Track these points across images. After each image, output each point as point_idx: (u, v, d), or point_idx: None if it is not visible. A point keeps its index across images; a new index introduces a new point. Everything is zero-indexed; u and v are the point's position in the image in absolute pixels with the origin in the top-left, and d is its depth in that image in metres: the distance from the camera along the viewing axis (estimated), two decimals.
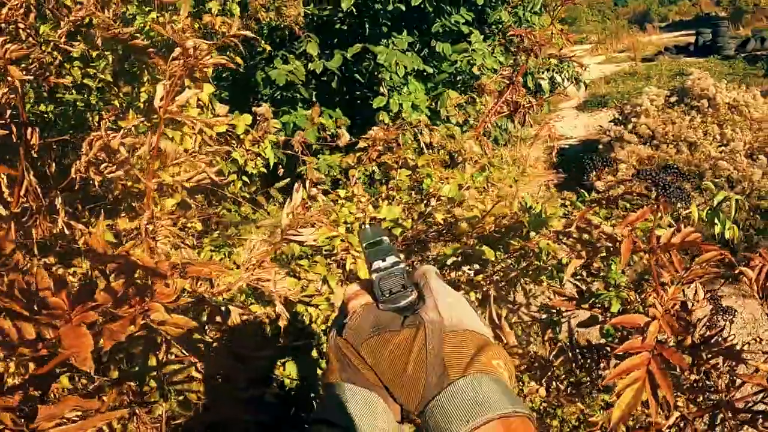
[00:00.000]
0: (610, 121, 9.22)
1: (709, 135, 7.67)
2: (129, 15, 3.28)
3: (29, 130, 2.00)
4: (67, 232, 2.09)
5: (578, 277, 1.81)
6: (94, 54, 2.70)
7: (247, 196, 3.81)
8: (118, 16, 2.59)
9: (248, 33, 2.00)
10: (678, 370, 1.40)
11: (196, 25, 3.88)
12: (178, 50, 1.74)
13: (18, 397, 0.88)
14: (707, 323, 1.56)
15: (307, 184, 1.75)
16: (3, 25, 1.98)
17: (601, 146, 8.47)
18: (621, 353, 1.22)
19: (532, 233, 2.07)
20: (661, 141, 7.77)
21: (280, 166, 3.84)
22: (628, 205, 1.93)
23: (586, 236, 1.46)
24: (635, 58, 18.38)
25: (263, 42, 4.84)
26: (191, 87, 2.43)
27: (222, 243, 3.16)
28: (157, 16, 2.86)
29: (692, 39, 19.39)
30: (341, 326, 0.76)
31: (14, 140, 1.97)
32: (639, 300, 1.49)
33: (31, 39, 2.25)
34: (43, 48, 2.38)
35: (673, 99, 8.80)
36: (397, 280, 0.76)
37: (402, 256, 2.44)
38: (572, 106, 13.91)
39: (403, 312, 0.75)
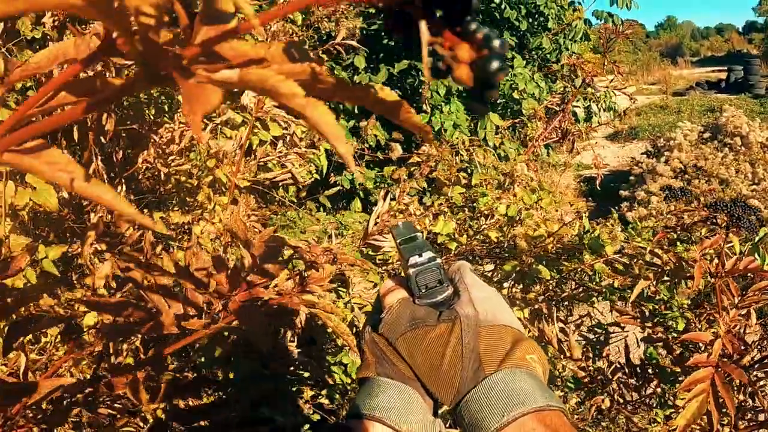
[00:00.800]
0: (643, 153, 9.31)
1: (741, 173, 7.74)
2: None
3: (105, 115, 2.05)
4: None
5: (629, 298, 1.93)
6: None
7: (295, 201, 3.93)
8: None
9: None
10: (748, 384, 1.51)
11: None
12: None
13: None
14: (758, 346, 1.68)
15: (398, 193, 1.86)
16: None
17: (632, 178, 8.55)
18: (691, 366, 1.35)
19: (587, 256, 2.20)
20: (692, 176, 7.85)
21: (332, 174, 3.97)
22: (674, 235, 2.05)
23: (656, 260, 1.58)
24: (666, 91, 18.40)
25: (320, 52, 5.00)
26: None
27: None
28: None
29: (723, 75, 19.38)
30: (377, 321, 0.77)
31: (89, 123, 2.04)
32: (698, 321, 1.61)
33: None
34: None
35: (706, 135, 8.87)
36: (433, 276, 0.77)
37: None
38: (603, 135, 13.97)
39: (439, 307, 0.76)
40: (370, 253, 2.38)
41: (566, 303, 2.34)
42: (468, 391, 0.68)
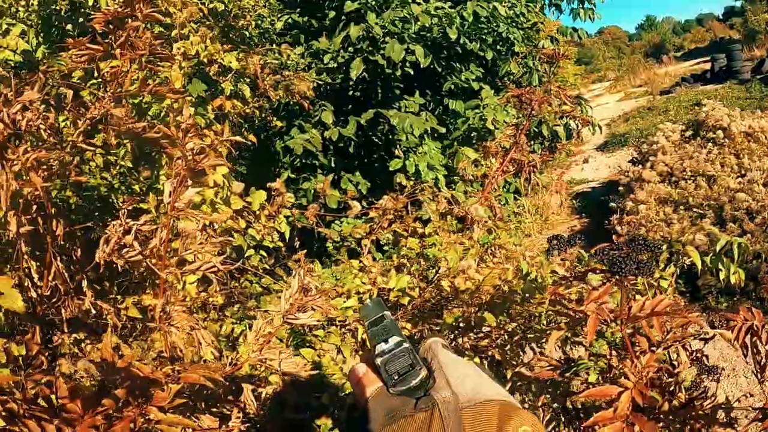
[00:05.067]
0: (629, 161, 9.28)
1: (727, 166, 7.67)
2: (145, 104, 3.47)
3: (54, 222, 2.15)
4: (93, 311, 2.24)
5: (572, 341, 1.89)
6: (115, 141, 2.87)
7: (267, 267, 3.93)
8: (133, 108, 2.78)
9: (238, 138, 2.15)
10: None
11: (209, 107, 4.09)
12: (178, 152, 1.88)
13: None
14: (693, 383, 1.63)
15: (302, 273, 1.85)
16: (23, 131, 2.15)
17: (621, 188, 8.51)
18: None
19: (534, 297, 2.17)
20: (679, 177, 7.79)
21: (297, 237, 3.96)
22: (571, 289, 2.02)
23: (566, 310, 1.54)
24: (653, 92, 18.44)
25: (275, 119, 5.05)
26: (202, 174, 2.59)
27: (243, 316, 3.26)
28: (172, 102, 3.02)
29: (708, 66, 19.41)
30: (354, 418, 0.77)
31: (41, 231, 2.11)
32: (620, 367, 1.57)
33: (52, 138, 2.43)
34: (64, 146, 2.56)
35: (688, 133, 8.84)
36: (403, 361, 0.74)
37: (405, 331, 2.54)
38: (593, 147, 13.96)
39: (415, 393, 0.73)
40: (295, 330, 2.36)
41: (521, 346, 2.30)
42: None
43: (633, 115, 16.02)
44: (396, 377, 0.74)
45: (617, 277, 1.31)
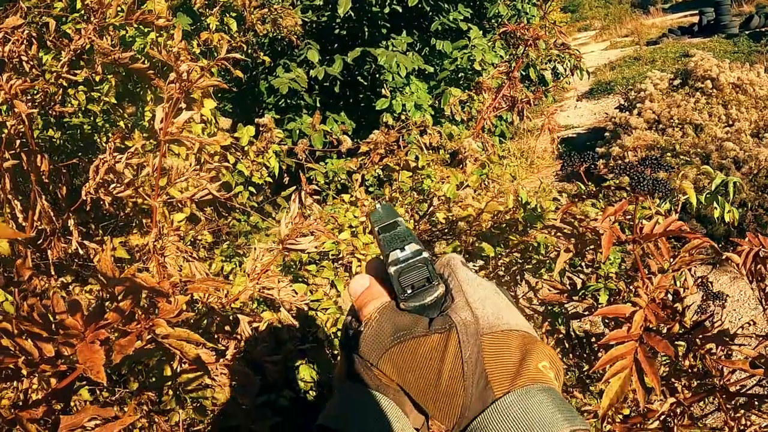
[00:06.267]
0: (616, 108, 9.24)
1: (714, 116, 7.66)
2: (129, 38, 3.37)
3: (38, 157, 2.07)
4: (81, 252, 2.17)
5: (578, 268, 1.85)
6: (98, 78, 2.78)
7: (255, 205, 3.87)
8: (118, 41, 2.68)
9: (237, 55, 2.07)
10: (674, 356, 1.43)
11: (195, 42, 3.97)
12: (173, 75, 1.80)
13: (42, 409, 0.95)
14: (699, 309, 1.60)
15: (303, 195, 1.78)
16: (6, 59, 2.06)
17: (607, 134, 8.48)
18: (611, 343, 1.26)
19: (532, 230, 2.12)
20: (666, 125, 7.77)
21: (286, 174, 3.91)
22: (621, 196, 1.98)
23: (574, 230, 1.50)
24: (639, 42, 18.30)
25: (262, 54, 4.92)
26: (191, 107, 2.51)
27: (232, 253, 3.21)
28: (156, 37, 2.93)
29: (696, 19, 19.26)
30: (355, 335, 0.66)
31: (25, 168, 2.04)
32: (628, 290, 1.53)
33: (34, 70, 2.33)
34: (47, 77, 2.47)
35: (676, 82, 8.79)
36: (420, 273, 0.64)
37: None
38: (579, 94, 13.89)
39: (428, 311, 0.64)
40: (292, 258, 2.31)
41: (518, 278, 2.26)
42: (475, 416, 0.57)
43: (619, 64, 15.92)
44: (410, 291, 0.64)
45: (634, 193, 1.26)
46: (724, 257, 1.56)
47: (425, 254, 0.65)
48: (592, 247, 1.55)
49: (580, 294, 1.51)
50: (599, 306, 1.53)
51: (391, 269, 0.64)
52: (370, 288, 0.68)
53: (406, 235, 0.67)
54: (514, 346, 0.60)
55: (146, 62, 2.62)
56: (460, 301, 0.63)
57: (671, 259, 1.50)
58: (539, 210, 2.09)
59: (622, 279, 1.57)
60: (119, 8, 2.54)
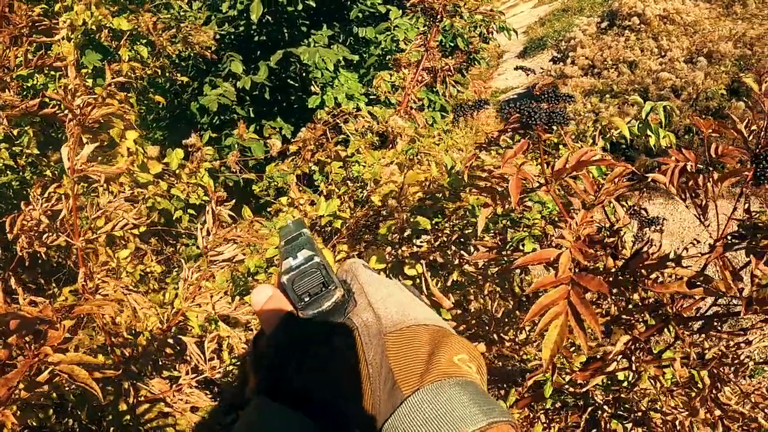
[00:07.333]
0: (550, 61, 9.25)
1: (647, 50, 7.69)
2: (40, 85, 3.27)
3: None
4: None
5: (505, 223, 1.79)
6: (16, 132, 2.70)
7: (200, 227, 3.80)
8: (22, 90, 2.60)
9: (121, 79, 2.02)
10: (608, 293, 1.36)
11: (108, 74, 3.88)
12: (68, 113, 1.75)
13: None
14: (635, 238, 1.54)
15: (213, 205, 1.72)
16: None
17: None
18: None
19: (464, 193, 2.06)
20: (601, 68, 7.78)
21: (223, 190, 3.86)
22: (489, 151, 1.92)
23: (489, 184, 1.42)
24: None
25: (179, 75, 4.82)
26: (96, 139, 2.43)
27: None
28: (59, 77, 2.88)
29: None
30: (259, 356, 0.62)
31: None
32: (556, 233, 1.46)
33: None
34: None
35: (604, 24, 8.84)
36: (314, 279, 0.62)
37: (342, 254, 2.43)
38: (513, 56, 13.90)
39: (331, 317, 0.61)
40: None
41: (461, 244, 2.20)
42: (385, 419, 0.52)
43: (549, 19, 15.97)
44: (307, 298, 0.61)
45: (525, 129, 1.19)
46: (649, 179, 1.51)
47: (317, 259, 0.63)
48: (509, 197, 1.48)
49: (507, 247, 1.44)
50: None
51: (284, 278, 0.62)
52: (273, 298, 0.63)
53: (303, 243, 0.66)
54: (422, 342, 0.57)
55: (56, 106, 2.55)
56: (362, 303, 0.61)
57: (596, 191, 1.44)
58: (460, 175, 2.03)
59: (549, 224, 1.51)
60: (18, 57, 2.46)
